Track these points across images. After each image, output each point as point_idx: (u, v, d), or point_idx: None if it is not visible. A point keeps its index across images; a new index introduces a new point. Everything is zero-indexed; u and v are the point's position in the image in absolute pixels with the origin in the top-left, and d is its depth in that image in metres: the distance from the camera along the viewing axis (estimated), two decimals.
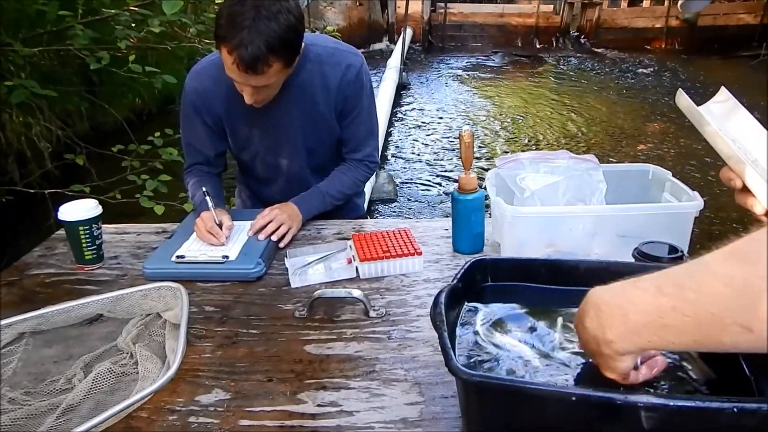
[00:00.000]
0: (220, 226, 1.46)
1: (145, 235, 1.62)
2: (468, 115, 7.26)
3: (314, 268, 1.36)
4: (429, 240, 1.49)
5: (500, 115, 7.19)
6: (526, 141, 6.19)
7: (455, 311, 0.95)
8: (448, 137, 6.34)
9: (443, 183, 5.06)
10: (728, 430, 0.66)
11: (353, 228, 1.59)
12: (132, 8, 3.04)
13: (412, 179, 5.08)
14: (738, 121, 0.93)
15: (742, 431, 0.66)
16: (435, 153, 5.87)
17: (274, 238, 1.48)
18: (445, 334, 0.77)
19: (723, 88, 0.96)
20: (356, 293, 1.18)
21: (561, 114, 7.19)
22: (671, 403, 0.63)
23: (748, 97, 7.38)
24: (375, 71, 8.97)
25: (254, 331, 1.14)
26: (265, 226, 1.49)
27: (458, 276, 0.93)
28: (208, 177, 1.70)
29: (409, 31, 10.98)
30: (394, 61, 8.63)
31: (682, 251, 1.07)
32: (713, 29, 10.94)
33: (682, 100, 0.93)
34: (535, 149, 5.78)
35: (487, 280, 1.00)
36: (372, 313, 1.17)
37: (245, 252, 1.40)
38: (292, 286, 1.30)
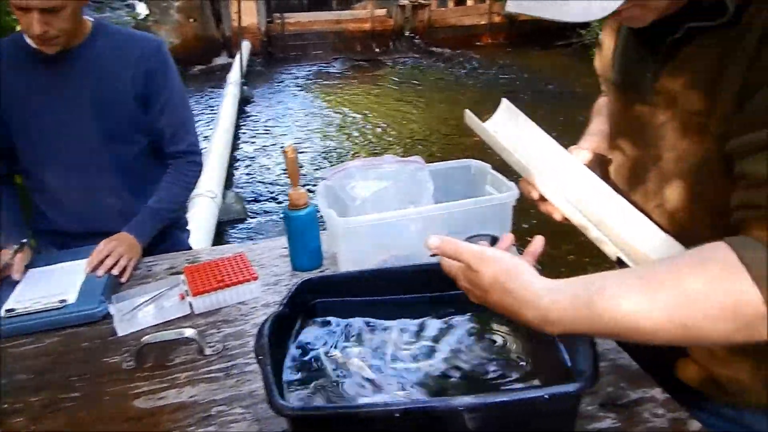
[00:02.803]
0: None
1: None
2: (313, 125, 7.23)
3: (144, 310, 1.25)
4: (267, 261, 1.44)
5: (345, 122, 7.24)
6: (373, 147, 6.28)
7: (288, 336, 0.91)
8: (298, 150, 6.28)
9: None
10: (546, 414, 0.68)
11: (186, 260, 1.49)
12: None
13: (262, 196, 4.96)
14: (522, 130, 0.98)
15: (558, 413, 0.69)
16: (284, 166, 5.77)
17: (114, 271, 1.38)
18: (268, 368, 0.73)
19: (504, 99, 1.01)
20: (188, 333, 1.10)
21: (404, 115, 7.38)
22: (489, 401, 0.64)
23: (564, 81, 8.08)
24: (217, 88, 8.70)
25: (76, 394, 1.03)
26: (102, 261, 1.38)
27: (284, 301, 0.89)
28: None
29: (246, 44, 10.76)
30: (234, 76, 8.41)
31: None
32: (531, 23, 11.76)
33: (470, 120, 0.96)
34: (376, 155, 5.89)
35: (318, 299, 0.97)
36: (208, 351, 1.10)
37: (85, 292, 1.29)
38: (120, 334, 1.19)
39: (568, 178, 0.96)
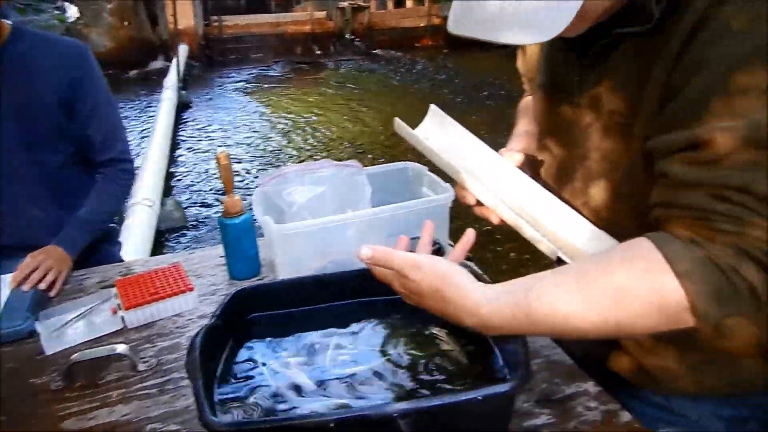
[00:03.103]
0: None
1: None
2: (254, 129, 7.13)
3: (73, 326, 1.20)
4: (204, 271, 1.40)
5: (287, 127, 7.17)
6: (315, 151, 6.24)
7: (222, 348, 0.89)
8: (237, 154, 6.17)
9: None
10: (481, 414, 0.69)
11: (119, 272, 1.44)
12: None
13: (204, 202, 4.86)
14: (452, 135, 0.99)
15: (493, 413, 0.70)
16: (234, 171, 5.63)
17: (42, 285, 1.32)
18: (200, 383, 0.71)
19: (432, 105, 1.02)
20: (120, 348, 1.06)
21: (346, 118, 7.37)
22: (422, 405, 0.64)
23: (505, 82, 8.24)
24: (154, 93, 8.46)
25: (0, 418, 0.97)
26: (29, 275, 1.32)
27: (217, 313, 0.87)
28: None
29: (183, 47, 10.53)
30: (171, 80, 8.22)
31: (438, 243, 1.12)
32: None
33: (400, 128, 0.97)
34: (318, 159, 5.85)
35: (253, 309, 0.95)
36: (141, 367, 1.06)
37: (9, 308, 1.24)
38: (47, 352, 1.14)
39: (501, 181, 0.98)
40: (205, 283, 1.35)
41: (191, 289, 1.24)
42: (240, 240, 1.31)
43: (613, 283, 0.66)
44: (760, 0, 0.65)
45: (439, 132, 1.00)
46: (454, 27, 0.75)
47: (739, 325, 0.84)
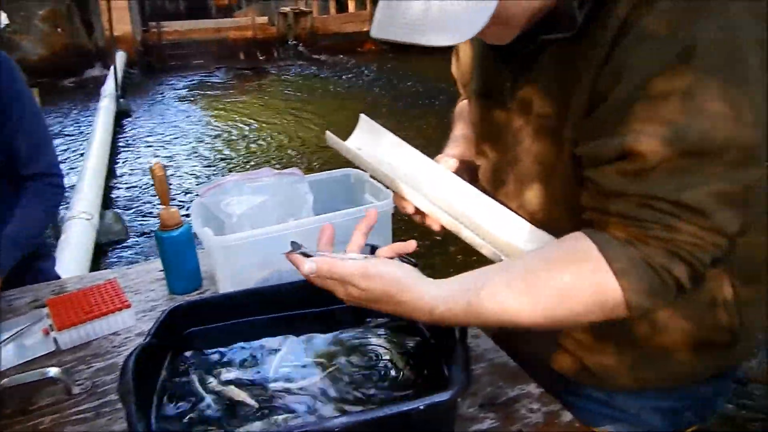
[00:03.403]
0: None
1: None
2: (197, 138, 6.98)
3: (3, 350, 1.14)
4: (142, 286, 1.36)
5: (231, 135, 7.04)
6: (260, 159, 6.15)
7: (159, 367, 0.86)
8: (177, 163, 6.03)
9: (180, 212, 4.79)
10: (424, 422, 0.69)
11: (52, 291, 1.38)
12: None
13: (147, 214, 4.73)
14: (384, 144, 0.99)
15: (436, 420, 0.70)
16: (169, 182, 5.53)
17: None
18: (133, 407, 0.69)
19: (362, 115, 1.01)
20: (53, 372, 1.02)
21: (289, 125, 7.29)
22: (363, 418, 0.63)
23: (451, 86, 8.34)
24: (92, 101, 8.18)
25: None
26: None
27: (152, 331, 0.84)
28: None
29: (121, 54, 10.24)
30: (109, 89, 7.98)
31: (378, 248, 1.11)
32: None
33: (332, 140, 0.96)
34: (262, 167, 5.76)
35: (191, 325, 0.93)
36: (76, 390, 1.02)
37: None
38: None
39: (437, 187, 0.98)
40: (143, 299, 1.30)
41: (128, 306, 1.20)
42: (178, 253, 1.28)
43: (560, 284, 0.71)
44: (679, 5, 0.67)
45: (372, 142, 0.99)
46: (377, 31, 0.75)
47: (671, 319, 0.88)
